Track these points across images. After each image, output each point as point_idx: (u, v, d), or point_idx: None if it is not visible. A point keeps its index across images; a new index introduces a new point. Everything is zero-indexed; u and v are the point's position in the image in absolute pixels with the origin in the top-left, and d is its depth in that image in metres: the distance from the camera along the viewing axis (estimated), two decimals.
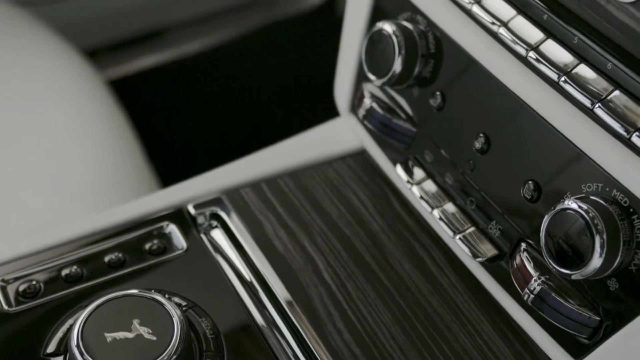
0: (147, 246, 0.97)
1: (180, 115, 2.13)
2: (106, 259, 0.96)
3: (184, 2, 2.25)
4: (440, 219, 0.92)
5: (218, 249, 0.98)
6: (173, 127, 2.10)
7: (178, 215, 1.01)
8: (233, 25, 2.30)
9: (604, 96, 0.76)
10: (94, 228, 1.00)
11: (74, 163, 1.36)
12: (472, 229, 0.90)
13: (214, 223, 1.01)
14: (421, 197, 0.94)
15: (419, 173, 0.96)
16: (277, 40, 2.29)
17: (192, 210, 1.01)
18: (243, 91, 2.19)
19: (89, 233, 0.99)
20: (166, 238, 0.98)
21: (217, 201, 1.02)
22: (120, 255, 0.96)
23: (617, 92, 0.75)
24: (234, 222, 1.00)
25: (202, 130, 2.12)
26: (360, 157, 1.08)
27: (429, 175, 0.95)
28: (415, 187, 0.95)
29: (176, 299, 0.89)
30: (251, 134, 2.02)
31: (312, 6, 2.32)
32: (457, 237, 0.90)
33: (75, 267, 0.95)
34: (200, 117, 2.14)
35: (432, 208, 0.93)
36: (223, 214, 1.01)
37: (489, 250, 0.88)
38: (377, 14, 1.00)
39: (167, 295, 0.88)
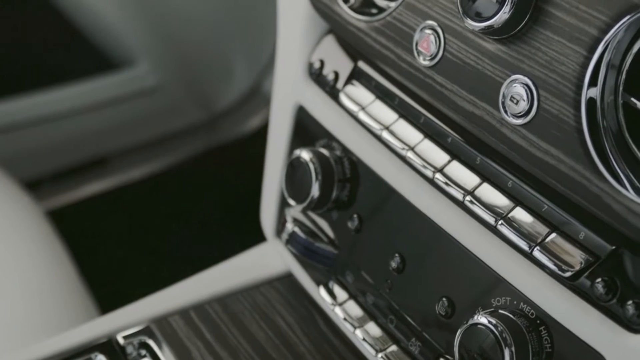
0: None
1: (121, 240, 2.14)
2: None
3: (125, 130, 2.29)
4: (364, 339, 0.93)
5: None
6: (113, 252, 2.11)
7: (107, 346, 1.01)
8: (174, 151, 2.34)
9: (505, 213, 0.79)
10: None
11: (8, 295, 1.36)
12: (393, 347, 0.92)
13: (143, 352, 1.01)
14: (344, 319, 0.96)
15: (341, 294, 0.98)
16: (217, 164, 2.33)
17: (121, 341, 1.02)
18: (182, 216, 2.21)
19: None
20: None
21: (146, 330, 1.03)
22: None
23: (517, 209, 0.79)
24: (163, 351, 1.00)
25: (141, 254, 2.13)
26: (287, 280, 1.10)
27: (351, 295, 0.98)
28: (338, 308, 0.97)
29: None
30: (187, 257, 2.03)
31: (252, 130, 2.38)
32: (379, 355, 0.91)
33: None
34: (139, 242, 2.15)
35: (355, 328, 0.94)
36: (151, 343, 1.01)
37: None
38: (297, 141, 1.04)
39: None
